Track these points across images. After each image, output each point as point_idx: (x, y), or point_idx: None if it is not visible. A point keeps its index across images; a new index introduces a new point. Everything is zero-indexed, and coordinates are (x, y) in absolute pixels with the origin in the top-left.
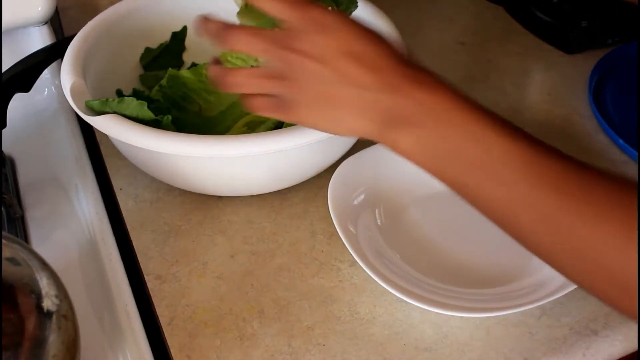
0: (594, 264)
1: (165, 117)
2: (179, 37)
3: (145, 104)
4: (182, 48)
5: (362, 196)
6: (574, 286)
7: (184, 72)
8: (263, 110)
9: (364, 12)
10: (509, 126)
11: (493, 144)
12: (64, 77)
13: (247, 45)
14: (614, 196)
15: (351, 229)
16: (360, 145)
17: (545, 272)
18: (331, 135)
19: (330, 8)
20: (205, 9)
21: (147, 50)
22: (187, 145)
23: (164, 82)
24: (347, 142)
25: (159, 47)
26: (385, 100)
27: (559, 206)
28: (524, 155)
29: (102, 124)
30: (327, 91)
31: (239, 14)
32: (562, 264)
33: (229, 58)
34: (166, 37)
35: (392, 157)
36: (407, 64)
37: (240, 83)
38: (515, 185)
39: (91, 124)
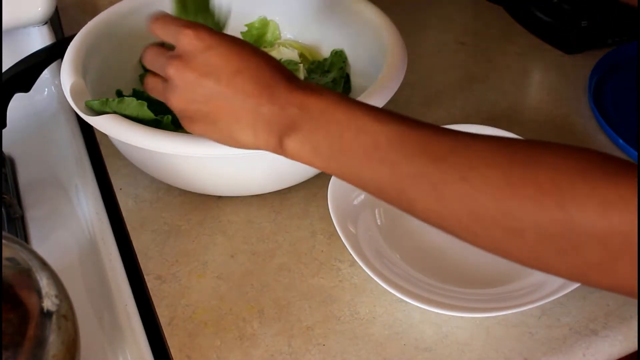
0: (472, 215)
1: (165, 117)
2: None
3: (145, 104)
4: None
5: (362, 196)
6: (574, 286)
7: None
8: (151, 90)
9: (365, 12)
10: (385, 113)
11: (374, 132)
12: (64, 77)
13: (148, 62)
14: (485, 153)
15: (351, 229)
16: None
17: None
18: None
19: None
20: None
21: None
22: (187, 145)
23: None
24: None
25: None
26: (270, 110)
27: (436, 172)
28: (401, 135)
29: (102, 123)
30: (219, 107)
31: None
32: (454, 226)
33: None
34: None
35: None
36: (289, 76)
37: (148, 59)
38: (397, 165)
39: (91, 123)
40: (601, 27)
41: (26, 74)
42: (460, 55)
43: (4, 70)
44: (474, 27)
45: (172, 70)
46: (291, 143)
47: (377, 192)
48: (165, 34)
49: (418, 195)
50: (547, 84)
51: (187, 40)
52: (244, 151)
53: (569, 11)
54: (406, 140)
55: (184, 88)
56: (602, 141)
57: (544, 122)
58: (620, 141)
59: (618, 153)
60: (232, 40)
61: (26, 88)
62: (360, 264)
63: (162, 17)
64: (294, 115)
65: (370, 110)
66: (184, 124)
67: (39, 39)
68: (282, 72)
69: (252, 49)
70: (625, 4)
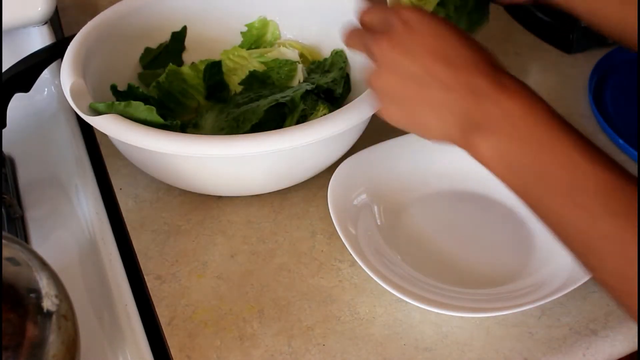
0: None
1: (175, 122)
2: (178, 37)
3: (154, 109)
4: (182, 48)
5: (362, 196)
6: (574, 286)
7: (184, 69)
8: (354, 44)
9: None
10: (592, 147)
11: (581, 172)
12: (64, 77)
13: (351, 42)
14: None
15: (351, 229)
16: (360, 145)
17: (546, 272)
18: (335, 133)
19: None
20: (205, 9)
21: (147, 50)
22: (187, 145)
23: (162, 78)
24: (347, 143)
25: (158, 47)
26: (467, 102)
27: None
28: (606, 184)
29: (102, 123)
30: (413, 89)
31: None
32: None
33: (230, 56)
34: (166, 37)
35: (391, 157)
36: (494, 66)
37: (351, 39)
38: (597, 218)
39: (91, 123)
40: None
41: (26, 74)
42: None
43: (4, 70)
44: None
45: (376, 49)
46: (480, 143)
47: (560, 232)
48: (373, 18)
49: (609, 256)
50: (547, 84)
51: (395, 21)
52: (243, 152)
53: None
54: (612, 195)
55: (385, 68)
56: (602, 141)
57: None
58: (620, 141)
59: (618, 153)
60: (439, 23)
61: (26, 88)
62: (360, 264)
63: (369, 5)
64: (490, 114)
65: (576, 139)
66: (381, 106)
67: (39, 39)
68: (486, 57)
69: (458, 33)
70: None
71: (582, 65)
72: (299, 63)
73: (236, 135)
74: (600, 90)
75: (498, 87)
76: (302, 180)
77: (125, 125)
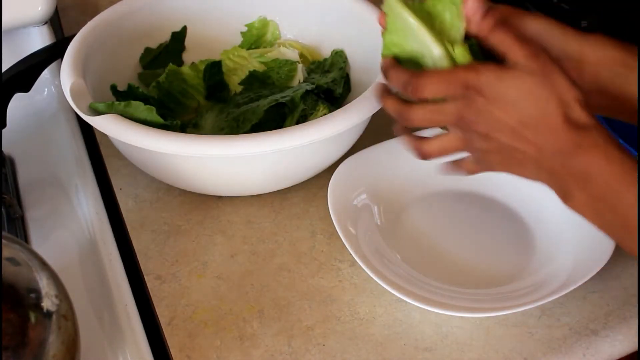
0: None
1: (175, 122)
2: (178, 37)
3: (154, 109)
4: (182, 48)
5: (362, 196)
6: (574, 286)
7: (184, 69)
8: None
9: (364, 12)
10: None
11: None
12: (64, 77)
13: (413, 120)
14: None
15: (351, 229)
16: (360, 145)
17: (545, 272)
18: (335, 134)
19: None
20: (205, 9)
21: (147, 50)
22: (187, 145)
23: (162, 78)
24: (347, 143)
25: (158, 47)
26: (553, 162)
27: None
28: None
29: (101, 123)
30: (503, 158)
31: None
32: None
33: (230, 56)
34: (166, 37)
35: (391, 157)
36: (576, 120)
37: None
38: None
39: (91, 123)
40: (601, 27)
41: (26, 74)
42: None
43: (4, 70)
44: None
45: (458, 126)
46: (572, 199)
47: None
48: (440, 89)
49: None
50: None
51: (465, 91)
52: (243, 152)
53: (569, 11)
54: None
55: (469, 138)
56: None
57: None
58: (620, 141)
59: None
60: (511, 85)
61: (26, 88)
62: (360, 263)
63: (425, 74)
64: (577, 176)
65: None
66: (481, 154)
67: (39, 39)
68: (561, 112)
69: (531, 92)
70: (625, 2)
71: None
72: (299, 63)
73: (236, 135)
74: None
75: (577, 144)
76: (302, 180)
77: (125, 125)
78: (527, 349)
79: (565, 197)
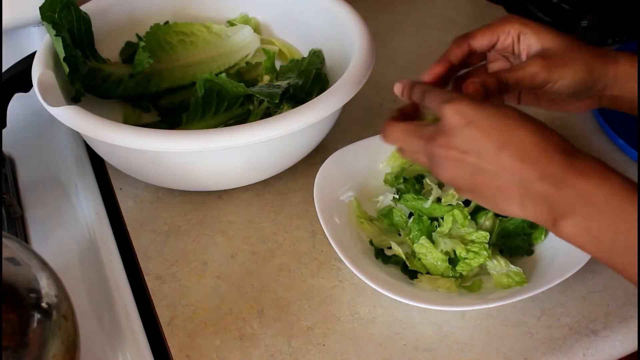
0: None
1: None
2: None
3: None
4: None
5: (349, 193)
6: (567, 275)
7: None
8: (413, 157)
9: (340, 12)
10: None
11: None
12: (34, 68)
13: (398, 140)
14: None
15: (336, 220)
16: (347, 139)
17: (545, 272)
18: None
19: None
20: (188, 5)
21: (128, 44)
22: (140, 137)
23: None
24: (317, 135)
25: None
26: (542, 188)
27: None
28: None
29: (60, 114)
30: (483, 182)
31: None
32: None
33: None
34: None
35: (378, 153)
36: (563, 149)
37: (398, 137)
38: None
39: (52, 114)
40: (601, 27)
41: (26, 74)
42: None
43: (4, 70)
44: (474, 28)
45: (435, 149)
46: (567, 227)
47: None
48: (428, 103)
49: None
50: None
51: (448, 114)
52: (217, 145)
53: (569, 11)
54: None
55: (448, 164)
56: (602, 141)
57: (544, 122)
58: (620, 141)
59: (618, 153)
60: (496, 112)
61: (26, 88)
62: (354, 270)
63: (418, 85)
64: (572, 199)
65: None
66: (455, 190)
67: (39, 39)
68: (554, 142)
69: (519, 119)
70: (625, 2)
71: None
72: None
73: (213, 129)
74: None
75: (572, 170)
76: (282, 170)
77: (87, 117)
78: (527, 349)
79: (555, 223)
